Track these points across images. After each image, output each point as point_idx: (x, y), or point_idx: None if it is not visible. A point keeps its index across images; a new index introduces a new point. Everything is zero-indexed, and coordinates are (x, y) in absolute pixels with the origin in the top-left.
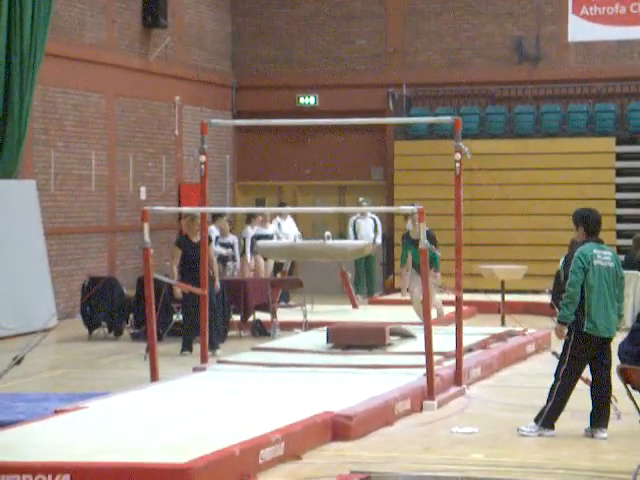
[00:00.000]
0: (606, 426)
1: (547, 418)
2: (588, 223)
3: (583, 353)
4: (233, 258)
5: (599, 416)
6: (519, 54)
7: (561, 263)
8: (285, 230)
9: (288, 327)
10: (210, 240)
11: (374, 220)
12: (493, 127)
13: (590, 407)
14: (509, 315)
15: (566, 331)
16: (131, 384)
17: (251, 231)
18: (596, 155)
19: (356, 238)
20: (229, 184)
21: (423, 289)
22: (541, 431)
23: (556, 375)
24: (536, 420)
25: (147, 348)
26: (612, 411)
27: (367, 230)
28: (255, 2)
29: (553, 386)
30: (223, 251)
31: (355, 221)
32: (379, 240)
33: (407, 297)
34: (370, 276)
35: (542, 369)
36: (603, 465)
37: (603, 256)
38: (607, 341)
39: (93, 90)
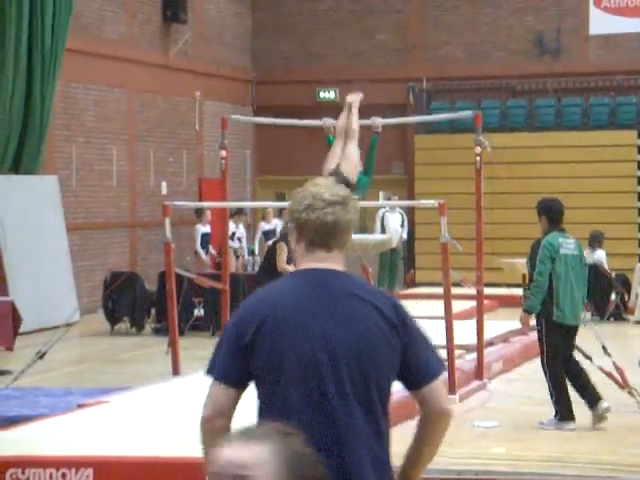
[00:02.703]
0: (600, 397)
1: (563, 412)
2: (552, 212)
3: (557, 340)
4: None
5: (590, 396)
6: (540, 47)
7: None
8: None
9: None
10: None
11: (401, 215)
12: (514, 120)
13: (590, 398)
14: None
15: (532, 320)
16: (153, 379)
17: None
18: (618, 148)
19: (383, 232)
20: (249, 179)
21: (444, 283)
22: (561, 425)
23: (542, 367)
24: (555, 414)
25: (169, 343)
26: (635, 403)
27: (395, 224)
28: None
29: (548, 380)
30: (236, 245)
31: (384, 215)
32: (405, 235)
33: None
34: (393, 270)
35: None
36: (624, 459)
37: (567, 244)
38: (573, 329)
39: (113, 86)
